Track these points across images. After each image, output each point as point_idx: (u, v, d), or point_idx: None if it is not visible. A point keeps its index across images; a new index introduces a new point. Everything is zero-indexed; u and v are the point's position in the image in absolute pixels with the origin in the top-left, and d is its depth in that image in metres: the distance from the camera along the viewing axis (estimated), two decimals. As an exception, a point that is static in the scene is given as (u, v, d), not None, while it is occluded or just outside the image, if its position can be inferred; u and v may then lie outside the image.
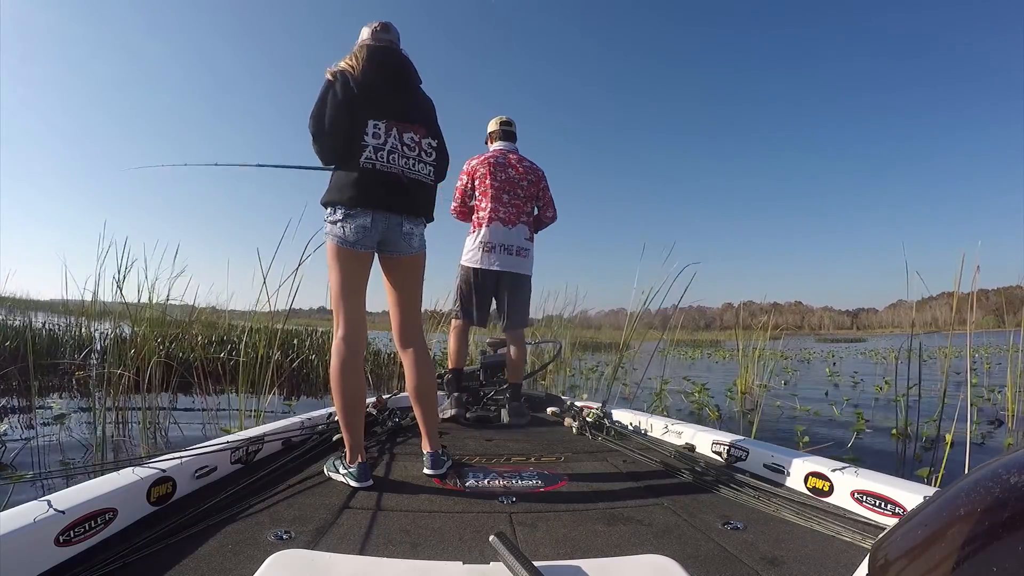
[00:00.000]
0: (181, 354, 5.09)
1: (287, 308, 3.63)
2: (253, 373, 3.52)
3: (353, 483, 1.68)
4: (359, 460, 1.71)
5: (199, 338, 6.19)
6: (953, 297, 2.73)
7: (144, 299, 4.38)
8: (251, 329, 4.64)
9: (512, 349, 3.02)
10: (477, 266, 2.92)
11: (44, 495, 1.16)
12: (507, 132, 3.14)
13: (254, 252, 3.62)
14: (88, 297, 4.35)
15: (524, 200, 2.98)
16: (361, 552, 1.21)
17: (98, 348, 4.30)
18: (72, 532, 1.12)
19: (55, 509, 1.10)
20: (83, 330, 5.82)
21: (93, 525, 1.18)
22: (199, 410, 4.00)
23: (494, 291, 2.98)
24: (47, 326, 6.43)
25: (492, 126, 3.17)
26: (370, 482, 1.69)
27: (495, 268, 2.90)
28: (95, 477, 1.36)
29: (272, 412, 3.65)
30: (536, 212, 3.10)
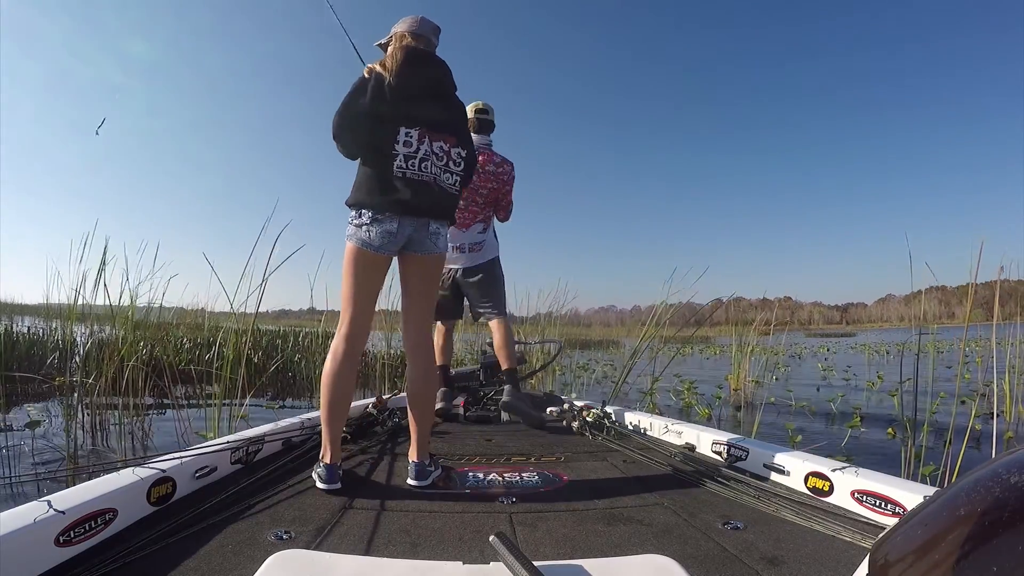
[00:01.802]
0: (165, 357, 5.06)
1: (255, 311, 3.56)
2: (230, 377, 3.41)
3: (319, 484, 1.63)
4: (327, 461, 1.66)
5: (184, 341, 6.10)
6: (970, 288, 2.70)
7: (125, 302, 4.28)
8: (224, 330, 4.55)
9: (495, 335, 2.96)
10: None
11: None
12: (483, 122, 2.97)
13: (246, 252, 3.52)
14: (68, 300, 4.28)
15: (483, 206, 2.92)
16: (361, 552, 1.21)
17: (74, 353, 4.23)
18: (72, 532, 1.12)
19: (55, 509, 1.10)
20: (63, 334, 5.69)
21: (93, 525, 1.17)
22: (172, 418, 3.83)
23: (455, 289, 2.99)
24: (30, 331, 6.30)
25: (468, 113, 2.96)
26: (337, 485, 1.63)
27: (448, 266, 2.90)
28: (79, 480, 1.35)
29: (255, 409, 3.55)
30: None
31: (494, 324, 2.98)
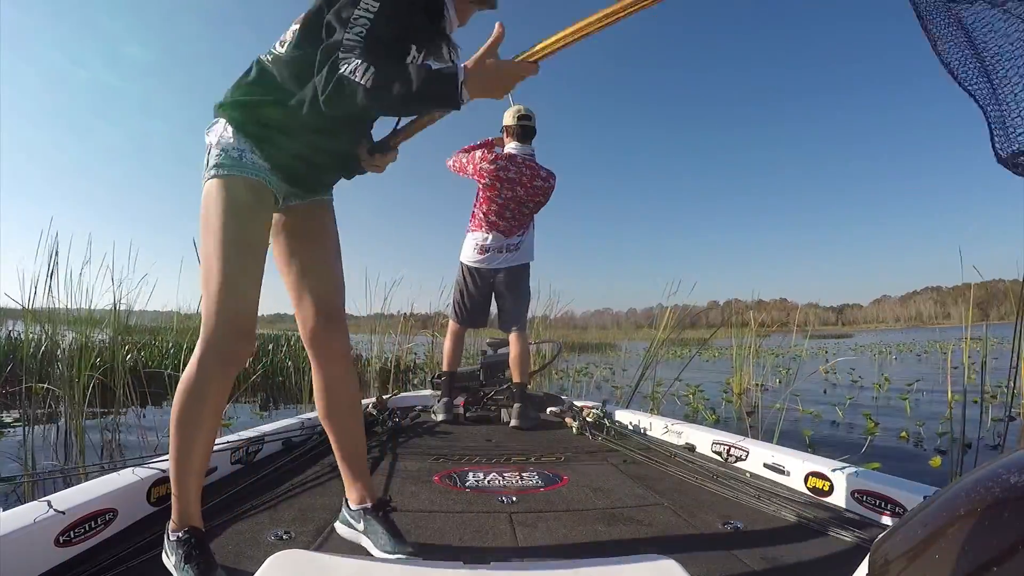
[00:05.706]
0: (151, 363, 4.90)
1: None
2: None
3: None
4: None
5: (170, 345, 5.95)
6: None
7: (108, 304, 4.16)
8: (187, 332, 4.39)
9: (512, 348, 2.92)
10: (471, 264, 2.89)
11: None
12: (525, 129, 2.81)
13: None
14: (48, 304, 4.12)
15: (528, 215, 2.88)
16: (361, 552, 1.21)
17: (55, 359, 4.08)
18: (72, 532, 1.12)
19: (55, 509, 1.10)
20: (40, 339, 5.43)
21: (93, 525, 1.17)
22: (151, 427, 3.51)
23: (490, 291, 2.93)
24: (11, 335, 6.14)
25: (508, 119, 2.84)
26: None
27: (489, 267, 2.86)
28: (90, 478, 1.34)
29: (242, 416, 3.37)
30: None
31: (513, 337, 2.90)
